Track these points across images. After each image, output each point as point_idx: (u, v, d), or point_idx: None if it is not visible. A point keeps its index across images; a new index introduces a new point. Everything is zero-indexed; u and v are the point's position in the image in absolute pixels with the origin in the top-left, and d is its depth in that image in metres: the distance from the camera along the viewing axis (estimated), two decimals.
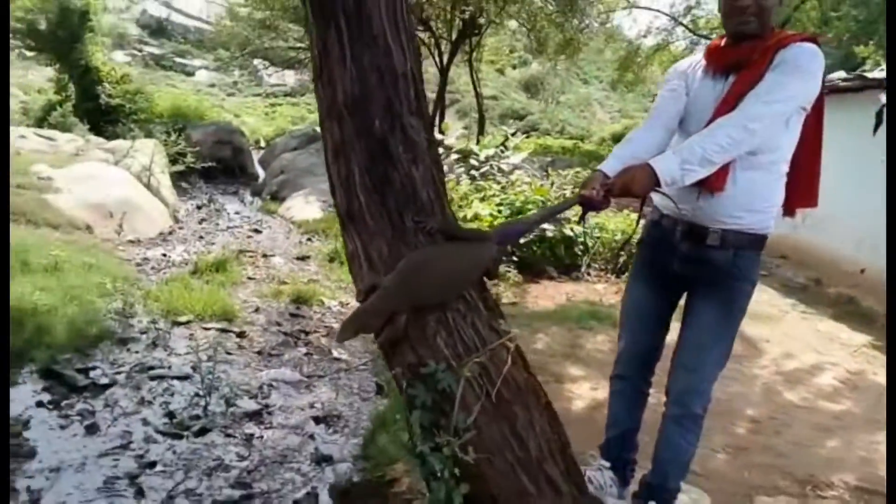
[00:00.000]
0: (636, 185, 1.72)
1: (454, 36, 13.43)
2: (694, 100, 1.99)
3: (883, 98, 5.98)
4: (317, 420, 3.56)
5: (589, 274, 6.69)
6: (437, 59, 14.65)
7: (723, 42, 1.98)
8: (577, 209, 1.94)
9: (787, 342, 5.07)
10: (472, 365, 1.60)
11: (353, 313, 1.68)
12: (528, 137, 11.64)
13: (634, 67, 16.87)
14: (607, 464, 2.20)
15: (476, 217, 6.60)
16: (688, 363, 2.02)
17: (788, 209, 2.04)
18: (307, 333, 4.85)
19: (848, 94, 6.59)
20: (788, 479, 3.21)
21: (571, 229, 6.71)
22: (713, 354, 2.02)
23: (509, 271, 6.16)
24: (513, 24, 16.15)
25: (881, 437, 3.69)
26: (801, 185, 1.99)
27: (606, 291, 6.17)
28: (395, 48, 1.68)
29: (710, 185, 1.85)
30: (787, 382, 4.35)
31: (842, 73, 7.14)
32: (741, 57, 1.87)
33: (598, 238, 6.88)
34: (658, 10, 15.95)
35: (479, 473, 1.61)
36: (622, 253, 6.65)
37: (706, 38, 16.01)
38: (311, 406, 3.73)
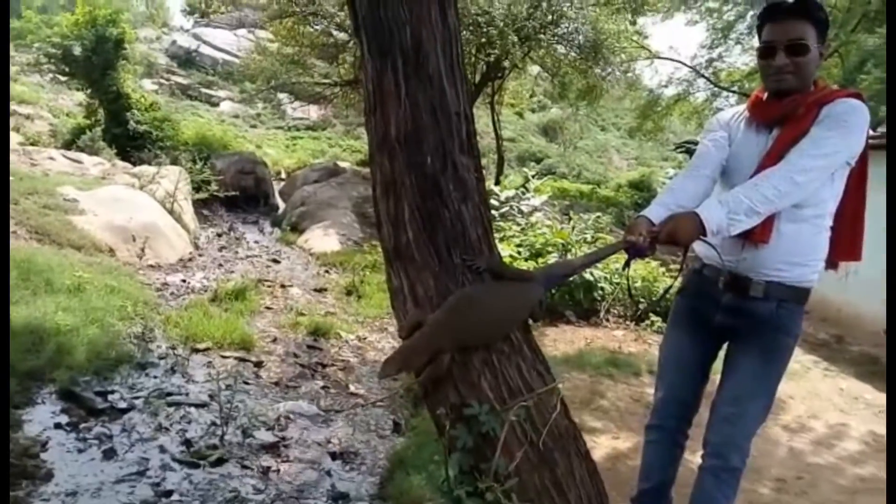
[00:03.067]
0: (682, 233, 1.72)
1: (478, 78, 13.63)
2: (737, 152, 1.99)
3: None
4: (333, 456, 3.51)
5: (608, 320, 6.63)
6: None
7: (765, 95, 1.98)
8: (622, 255, 1.92)
9: (811, 400, 4.97)
10: (518, 409, 1.56)
11: (398, 350, 1.66)
12: (543, 180, 11.69)
13: (654, 116, 17.00)
14: None
15: None
16: (727, 415, 1.98)
17: (832, 262, 2.02)
18: (324, 366, 4.82)
19: (874, 151, 6.58)
20: None
21: (591, 273, 6.67)
22: (753, 407, 1.98)
23: None
24: (535, 69, 16.40)
25: None
26: (845, 239, 1.98)
27: (625, 338, 6.10)
28: (450, 88, 1.70)
29: (755, 236, 1.85)
30: (812, 442, 4.24)
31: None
32: (785, 111, 1.88)
33: (617, 284, 6.84)
34: (680, 62, 16.05)
35: None
36: (643, 300, 6.61)
37: (727, 90, 16.15)
38: (328, 441, 3.68)
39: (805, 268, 1.91)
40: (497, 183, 13.38)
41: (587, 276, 6.62)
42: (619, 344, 5.87)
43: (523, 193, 8.64)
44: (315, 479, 3.25)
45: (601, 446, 3.81)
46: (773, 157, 1.84)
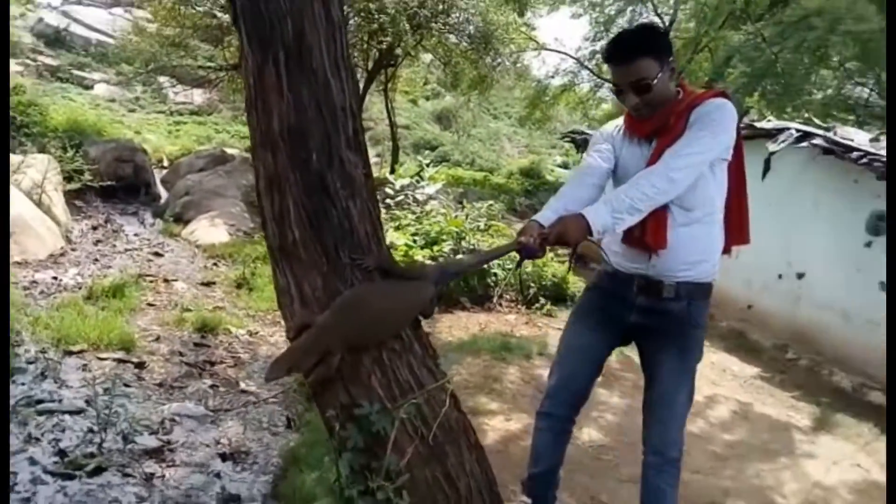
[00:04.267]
0: (570, 233, 1.80)
1: (370, 65, 13.47)
2: (624, 163, 2.10)
3: (771, 146, 6.48)
4: (223, 457, 3.40)
5: (501, 305, 6.80)
6: None
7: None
8: (514, 255, 1.97)
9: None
10: (409, 406, 1.57)
11: (286, 351, 1.62)
12: (438, 168, 11.80)
13: (542, 106, 17.51)
14: (528, 500, 2.21)
15: (391, 246, 6.57)
16: (660, 416, 2.14)
17: (726, 248, 2.17)
18: (213, 364, 4.64)
19: (747, 141, 7.09)
20: None
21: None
22: (680, 401, 2.13)
23: None
24: (428, 57, 16.42)
25: (770, 465, 3.93)
26: (735, 226, 2.14)
27: (517, 322, 6.28)
28: (335, 83, 1.67)
29: (652, 245, 1.99)
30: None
31: None
32: (658, 125, 2.00)
33: (508, 270, 7.02)
34: (565, 53, 16.59)
35: None
36: (532, 285, 6.82)
37: (609, 81, 16.85)
38: (217, 442, 3.55)
39: (707, 263, 2.06)
40: (392, 171, 13.33)
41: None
42: (511, 328, 6.03)
43: (418, 182, 8.66)
44: (204, 482, 3.13)
45: (495, 429, 3.91)
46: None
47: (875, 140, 6.37)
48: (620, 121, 2.19)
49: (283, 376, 1.64)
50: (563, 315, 6.68)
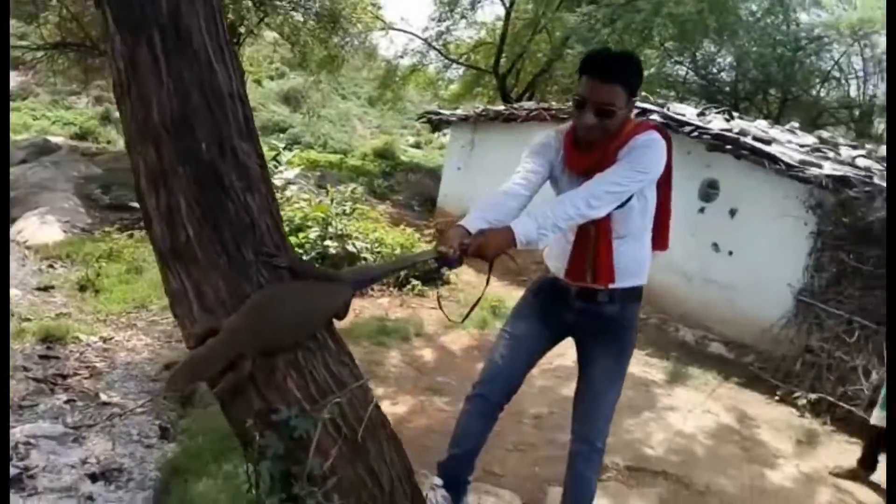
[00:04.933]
0: (490, 248, 1.85)
1: None
2: (563, 190, 2.16)
3: None
4: (93, 477, 3.12)
5: (372, 290, 6.75)
6: None
7: (574, 135, 2.13)
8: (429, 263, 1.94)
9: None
10: (332, 406, 1.51)
11: (187, 360, 1.48)
12: (295, 152, 11.41)
13: (393, 86, 17.46)
14: (440, 482, 2.23)
15: None
16: (590, 408, 2.25)
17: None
18: (65, 377, 4.21)
19: None
20: None
21: (353, 244, 6.73)
22: (610, 397, 2.25)
23: None
24: (271, 35, 15.77)
25: (636, 420, 4.26)
26: (658, 234, 2.26)
27: (391, 305, 6.28)
28: (219, 66, 1.54)
29: (602, 281, 2.14)
30: (558, 378, 4.80)
31: None
32: (595, 163, 2.05)
33: (378, 253, 6.98)
34: (412, 33, 16.60)
35: None
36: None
37: (456, 62, 17.11)
38: (84, 462, 3.24)
39: (640, 272, 2.21)
40: None
41: (350, 247, 6.67)
42: (385, 311, 6.02)
43: (276, 167, 8.33)
44: None
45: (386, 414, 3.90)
46: None
47: (701, 115, 7.00)
48: (560, 138, 2.20)
49: (185, 387, 1.52)
50: (433, 296, 6.79)
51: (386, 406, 3.97)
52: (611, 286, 2.16)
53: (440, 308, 2.09)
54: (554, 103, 8.04)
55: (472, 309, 2.24)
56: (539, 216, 1.89)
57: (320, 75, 16.56)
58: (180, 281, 1.54)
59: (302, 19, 12.62)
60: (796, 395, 4.96)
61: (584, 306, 2.22)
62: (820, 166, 5.40)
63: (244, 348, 1.47)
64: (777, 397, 5.08)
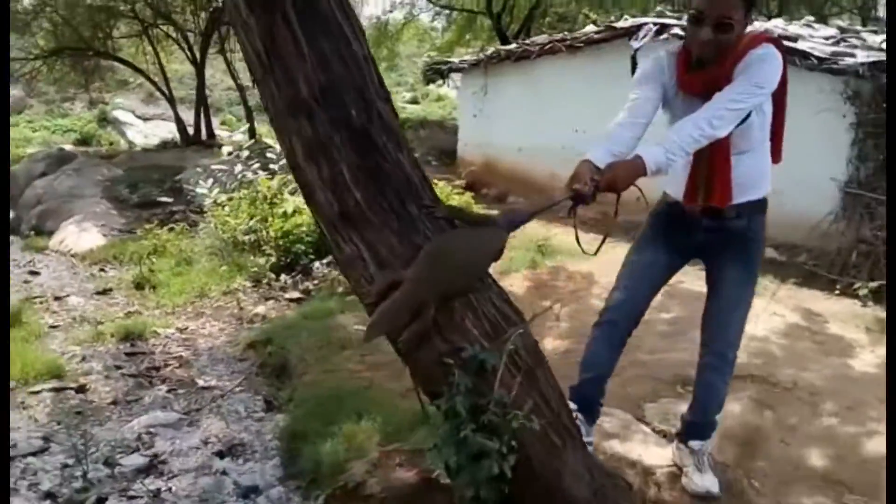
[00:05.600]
0: (621, 181, 1.87)
1: (202, 27, 12.57)
2: (678, 115, 2.16)
3: (633, 43, 6.83)
4: (220, 454, 3.28)
5: None
6: (189, 53, 13.60)
7: (687, 56, 2.09)
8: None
9: (608, 270, 5.72)
10: (515, 338, 1.61)
11: (380, 312, 1.57)
12: None
13: (388, 42, 17.20)
14: (574, 406, 2.32)
15: (297, 211, 6.37)
16: (723, 322, 2.28)
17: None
18: (157, 369, 4.37)
19: (603, 44, 7.44)
20: (661, 384, 3.67)
21: None
22: (742, 309, 2.29)
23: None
24: None
25: None
26: (774, 148, 2.24)
27: None
28: (349, 31, 1.59)
29: (717, 201, 2.16)
30: None
31: (592, 27, 8.02)
32: (711, 80, 2.04)
33: None
34: None
35: (520, 442, 1.62)
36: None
37: (446, 7, 16.76)
38: (206, 442, 3.41)
39: (762, 184, 2.22)
40: (252, 136, 12.69)
41: None
42: None
43: None
44: (214, 483, 3.02)
45: None
46: None
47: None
48: (670, 58, 2.18)
49: (380, 335, 1.60)
50: None
51: None
52: (732, 202, 2.17)
53: (577, 241, 2.12)
54: (567, 33, 7.93)
55: (602, 242, 2.22)
56: (666, 142, 1.91)
57: None
58: (353, 244, 1.61)
59: None
60: (856, 286, 5.03)
61: (712, 224, 2.24)
62: (853, 55, 5.36)
63: (427, 295, 1.56)
64: (837, 291, 5.15)
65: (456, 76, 10.72)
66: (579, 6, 14.48)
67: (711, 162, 2.13)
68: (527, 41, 8.14)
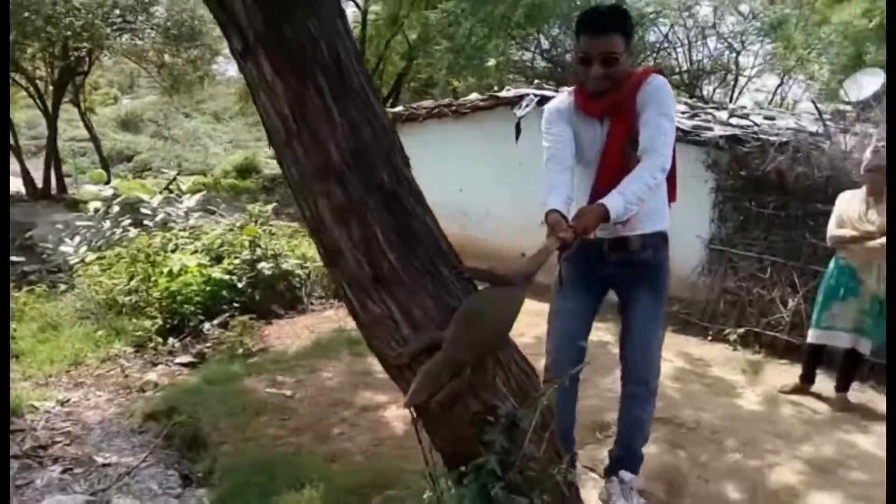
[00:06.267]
0: (591, 227, 2.04)
1: (55, 76, 11.73)
2: (580, 142, 2.37)
3: (517, 112, 7.30)
4: None
5: (312, 303, 6.72)
6: (40, 102, 12.54)
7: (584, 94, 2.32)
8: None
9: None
10: (547, 395, 1.67)
11: (423, 373, 1.56)
12: (193, 179, 10.79)
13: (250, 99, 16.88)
14: None
15: (184, 269, 6.04)
16: (641, 349, 2.43)
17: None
18: (45, 448, 3.90)
19: (486, 111, 7.88)
20: (580, 431, 3.83)
21: (286, 260, 6.64)
22: (656, 336, 2.46)
23: (235, 315, 5.84)
24: (111, 62, 14.76)
25: (611, 377, 4.65)
26: (669, 187, 2.47)
27: (340, 317, 6.28)
28: (374, 101, 1.63)
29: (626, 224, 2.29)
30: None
31: (476, 95, 8.47)
32: (609, 106, 2.28)
33: (306, 269, 6.92)
34: None
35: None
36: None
37: None
38: None
39: (662, 215, 2.42)
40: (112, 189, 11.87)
41: (284, 265, 6.59)
42: (339, 323, 6.02)
43: (179, 195, 7.95)
44: None
45: (400, 418, 3.99)
46: (614, 151, 2.28)
47: None
48: (565, 98, 2.41)
49: (425, 397, 1.59)
50: None
51: (395, 410, 4.10)
52: (636, 233, 2.33)
53: (560, 282, 2.30)
54: (452, 100, 8.32)
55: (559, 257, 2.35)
56: (626, 193, 2.09)
57: (173, 95, 15.72)
58: (384, 306, 1.61)
59: (162, 40, 11.96)
60: (726, 332, 5.62)
61: (620, 258, 2.39)
62: (711, 129, 6.12)
63: (466, 356, 1.59)
64: (710, 337, 5.73)
65: None
66: (443, 74, 15.17)
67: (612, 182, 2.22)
68: (413, 105, 8.42)
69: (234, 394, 4.35)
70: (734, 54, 15.37)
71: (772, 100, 16.48)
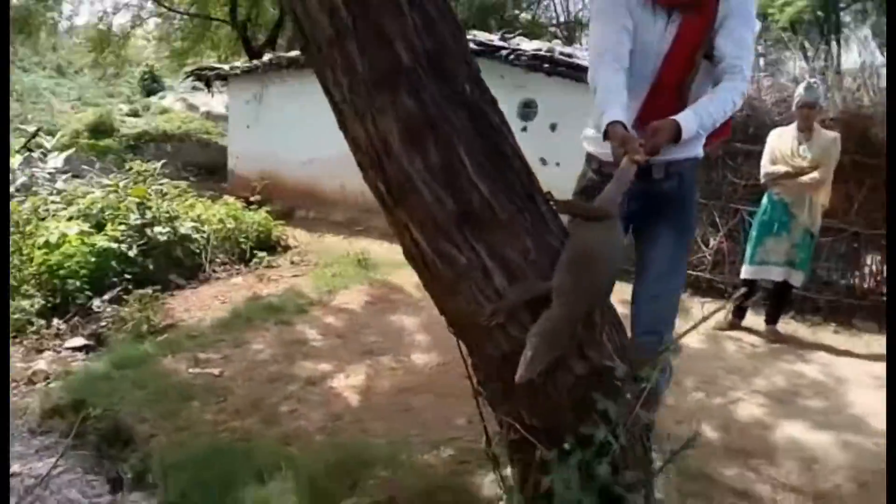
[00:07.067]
0: (662, 147, 1.73)
1: None
2: (641, 37, 1.92)
3: None
4: None
5: (215, 271, 6.06)
6: None
7: None
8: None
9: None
10: (665, 355, 1.39)
11: (537, 337, 1.21)
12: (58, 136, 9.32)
13: (114, 47, 15.13)
14: None
15: (63, 239, 5.20)
16: (655, 294, 2.08)
17: (706, 144, 2.13)
18: None
19: None
20: None
21: (182, 226, 5.93)
22: (676, 280, 2.14)
23: (130, 289, 5.13)
24: None
25: None
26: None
27: (251, 283, 5.72)
28: None
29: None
30: None
31: None
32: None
33: (202, 232, 6.23)
34: None
35: None
36: (242, 240, 6.27)
37: (184, 13, 15.27)
38: None
39: (693, 141, 1.98)
40: None
41: (181, 229, 5.88)
42: (251, 290, 5.47)
43: (44, 154, 6.85)
44: None
45: (352, 387, 3.65)
46: (680, 54, 1.89)
47: (502, 39, 7.33)
48: None
49: (543, 366, 1.24)
50: (285, 263, 6.34)
51: (344, 380, 3.73)
52: (662, 158, 1.88)
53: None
54: None
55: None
56: (703, 115, 1.81)
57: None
58: (473, 252, 1.23)
59: None
60: None
61: (640, 188, 1.93)
62: None
63: (580, 309, 1.27)
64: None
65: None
66: None
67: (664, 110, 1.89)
68: None
69: (152, 377, 3.76)
70: None
71: None
